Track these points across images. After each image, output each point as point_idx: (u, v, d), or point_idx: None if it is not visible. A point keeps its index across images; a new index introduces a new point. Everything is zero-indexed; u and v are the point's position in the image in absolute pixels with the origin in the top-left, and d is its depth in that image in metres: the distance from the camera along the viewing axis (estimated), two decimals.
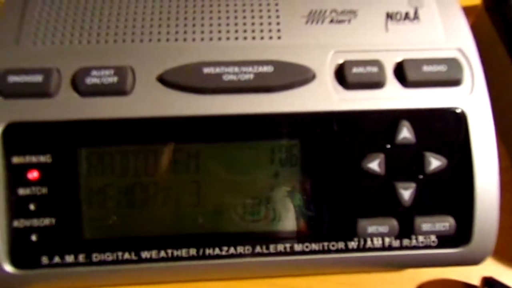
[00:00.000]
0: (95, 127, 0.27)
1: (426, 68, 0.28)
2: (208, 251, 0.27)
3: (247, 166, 0.28)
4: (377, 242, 0.28)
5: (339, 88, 0.28)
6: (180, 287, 0.32)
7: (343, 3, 0.30)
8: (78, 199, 0.27)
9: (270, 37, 0.29)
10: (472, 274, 0.33)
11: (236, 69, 0.28)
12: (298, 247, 0.28)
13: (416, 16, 0.30)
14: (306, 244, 0.28)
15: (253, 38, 0.29)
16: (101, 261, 0.27)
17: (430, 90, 0.28)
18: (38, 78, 0.27)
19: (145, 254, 0.27)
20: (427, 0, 0.31)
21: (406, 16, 0.30)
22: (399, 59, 0.28)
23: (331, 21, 0.30)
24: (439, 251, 0.28)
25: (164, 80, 0.27)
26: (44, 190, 0.27)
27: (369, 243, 0.28)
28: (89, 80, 0.27)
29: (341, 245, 0.28)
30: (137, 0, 0.30)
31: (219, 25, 0.29)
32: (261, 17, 0.30)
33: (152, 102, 0.27)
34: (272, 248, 0.28)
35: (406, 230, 0.28)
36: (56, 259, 0.27)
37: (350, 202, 0.28)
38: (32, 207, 0.27)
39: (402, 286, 0.34)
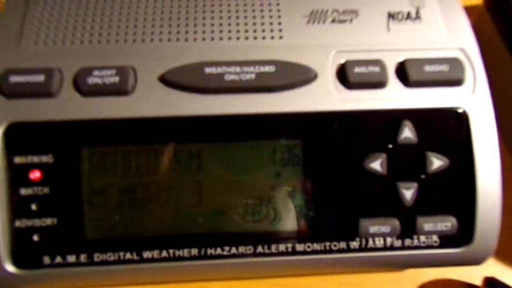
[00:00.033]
0: (97, 127, 0.27)
1: (428, 68, 0.28)
2: (210, 251, 0.27)
3: (249, 166, 0.28)
4: (379, 242, 0.28)
5: (341, 88, 0.28)
6: (181, 287, 0.32)
7: (345, 3, 0.30)
8: (80, 199, 0.27)
9: (272, 37, 0.29)
10: (474, 274, 0.33)
11: (238, 69, 0.28)
12: (299, 247, 0.28)
13: (418, 16, 0.30)
14: (308, 244, 0.28)
15: (255, 38, 0.29)
16: (103, 261, 0.27)
17: (432, 90, 0.28)
18: (40, 78, 0.27)
19: (146, 254, 0.27)
20: (429, 0, 0.31)
21: (408, 15, 0.30)
22: (401, 59, 0.28)
23: (333, 21, 0.30)
24: (441, 251, 0.28)
25: (166, 80, 0.27)
26: (46, 190, 0.27)
27: (371, 243, 0.28)
28: (91, 80, 0.27)
29: (342, 245, 0.28)
30: (139, 0, 0.30)
31: (221, 25, 0.29)
32: (262, 17, 0.30)
33: (154, 102, 0.27)
34: (273, 248, 0.28)
35: (408, 230, 0.28)
36: (58, 259, 0.27)
37: (352, 202, 0.28)
38: (34, 207, 0.27)
39: (404, 286, 0.34)
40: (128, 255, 0.27)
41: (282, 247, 0.28)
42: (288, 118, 0.28)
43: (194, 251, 0.27)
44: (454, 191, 0.28)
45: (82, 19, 0.29)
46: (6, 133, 0.26)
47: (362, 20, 0.30)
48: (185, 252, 0.27)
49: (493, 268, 0.33)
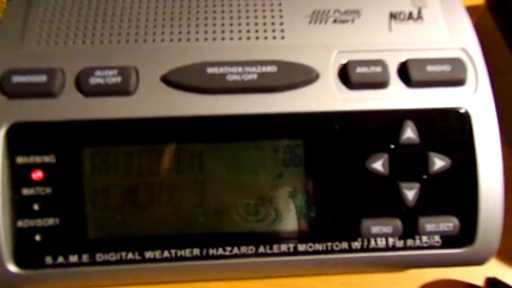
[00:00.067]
0: (99, 127, 0.27)
1: (430, 68, 0.28)
2: (212, 251, 0.27)
3: (251, 166, 0.28)
4: (381, 242, 0.28)
5: (343, 88, 0.28)
6: (183, 287, 0.32)
7: (347, 3, 0.30)
8: (82, 199, 0.27)
9: (274, 37, 0.29)
10: (476, 274, 0.33)
11: (240, 69, 0.28)
12: (301, 247, 0.28)
13: (419, 16, 0.30)
14: (310, 244, 0.28)
15: (257, 38, 0.29)
16: (105, 261, 0.27)
17: (434, 90, 0.28)
18: (42, 78, 0.27)
19: (148, 254, 0.27)
20: (431, 0, 0.31)
21: (410, 16, 0.30)
22: (403, 59, 0.28)
23: (335, 21, 0.30)
24: (443, 252, 0.28)
25: (168, 80, 0.27)
26: (48, 190, 0.27)
27: (372, 243, 0.28)
28: (93, 80, 0.27)
29: (344, 245, 0.28)
30: (141, 0, 0.30)
31: (223, 25, 0.29)
32: (264, 17, 0.30)
33: (156, 102, 0.27)
34: (275, 248, 0.28)
35: (410, 231, 0.28)
36: (60, 259, 0.27)
37: (354, 202, 0.28)
38: (36, 207, 0.27)
39: (406, 287, 0.34)
40: (130, 255, 0.27)
41: (284, 247, 0.28)
42: (290, 118, 0.28)
43: (196, 251, 0.27)
44: (456, 192, 0.28)
45: (84, 19, 0.29)
46: (9, 133, 0.26)
47: (364, 20, 0.30)
48: (187, 252, 0.27)
49: (495, 268, 0.33)
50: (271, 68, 0.28)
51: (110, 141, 0.27)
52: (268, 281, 0.33)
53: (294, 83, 0.28)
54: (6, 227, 0.26)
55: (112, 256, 0.27)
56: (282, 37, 0.29)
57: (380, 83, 0.28)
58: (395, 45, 0.29)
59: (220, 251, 0.27)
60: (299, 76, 0.28)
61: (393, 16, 0.30)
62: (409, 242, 0.28)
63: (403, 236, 0.28)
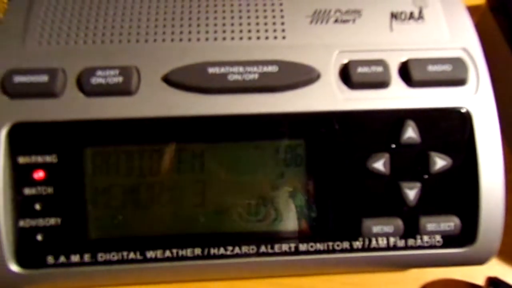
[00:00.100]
0: (100, 127, 0.27)
1: (431, 68, 0.28)
2: (213, 251, 0.27)
3: (252, 166, 0.28)
4: (382, 242, 0.28)
5: (344, 87, 0.28)
6: (184, 287, 0.32)
7: (348, 3, 0.30)
8: (84, 199, 0.27)
9: (275, 37, 0.29)
10: (477, 274, 0.33)
11: (241, 69, 0.28)
12: (302, 246, 0.28)
13: (420, 16, 0.30)
14: (311, 243, 0.28)
15: (258, 38, 0.29)
16: (107, 260, 0.27)
17: (435, 90, 0.28)
18: (44, 78, 0.27)
19: (150, 254, 0.27)
20: (432, 0, 0.31)
21: (411, 15, 0.30)
22: (404, 59, 0.28)
23: (336, 21, 0.30)
24: (444, 251, 0.28)
25: (169, 80, 0.27)
26: (50, 190, 0.27)
27: (374, 243, 0.28)
28: (94, 80, 0.27)
29: (346, 245, 0.28)
30: (142, 0, 0.30)
31: (224, 25, 0.29)
32: (265, 17, 0.30)
33: (157, 102, 0.27)
34: (276, 247, 0.28)
35: (411, 230, 0.28)
36: (62, 259, 0.27)
37: (355, 202, 0.28)
38: (37, 207, 0.27)
39: (407, 286, 0.34)
40: (131, 255, 0.27)
41: (285, 247, 0.28)
42: (291, 118, 0.28)
43: (198, 251, 0.27)
44: (457, 191, 0.28)
45: (86, 19, 0.29)
46: (10, 133, 0.26)
47: (365, 20, 0.30)
48: (188, 252, 0.27)
49: (496, 268, 0.33)
50: (272, 68, 0.28)
51: (112, 141, 0.27)
52: (269, 280, 0.33)
53: (295, 83, 0.28)
54: (8, 226, 0.26)
55: (114, 256, 0.27)
56: (283, 37, 0.29)
57: (381, 83, 0.28)
58: (396, 45, 0.29)
59: (222, 250, 0.28)
60: (300, 76, 0.28)
61: (394, 16, 0.30)
62: (410, 241, 0.28)
63: (404, 235, 0.28)
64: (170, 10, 0.30)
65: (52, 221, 0.27)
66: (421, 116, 0.28)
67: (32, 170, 0.27)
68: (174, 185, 0.28)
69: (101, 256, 0.27)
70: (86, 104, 0.27)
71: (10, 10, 0.30)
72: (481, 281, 0.32)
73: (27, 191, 0.27)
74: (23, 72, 0.27)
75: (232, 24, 0.29)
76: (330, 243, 0.28)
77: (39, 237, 0.27)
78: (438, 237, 0.28)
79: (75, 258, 0.27)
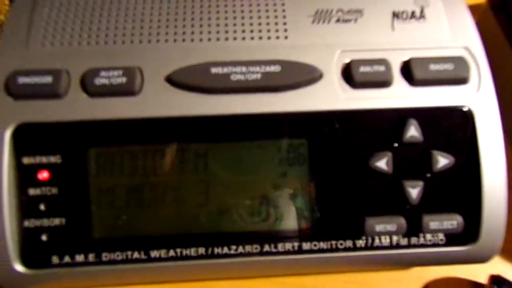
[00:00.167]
0: (104, 127, 0.27)
1: (433, 67, 0.28)
2: (217, 250, 0.28)
3: (255, 166, 0.28)
4: (385, 240, 0.28)
5: (346, 87, 0.28)
6: (188, 286, 0.32)
7: (349, 2, 0.30)
8: (88, 199, 0.27)
9: (277, 37, 0.29)
10: (480, 272, 0.33)
11: (244, 69, 0.28)
12: (306, 245, 0.28)
13: (422, 15, 0.30)
14: (314, 242, 0.28)
15: (260, 38, 0.29)
16: (111, 260, 0.27)
17: (437, 89, 0.28)
18: (48, 79, 0.27)
19: (154, 253, 0.27)
20: None
21: (412, 15, 0.30)
22: (406, 58, 0.29)
23: (338, 20, 0.30)
24: (446, 249, 0.28)
25: (172, 80, 0.28)
26: (54, 190, 0.27)
27: (377, 241, 0.28)
28: (98, 81, 0.27)
29: (349, 243, 0.28)
30: (145, 1, 0.30)
31: (226, 25, 0.29)
32: (267, 17, 0.30)
33: (161, 102, 0.27)
34: (280, 247, 0.28)
35: (414, 229, 0.28)
36: (66, 259, 0.27)
37: (358, 201, 0.28)
38: (42, 207, 0.27)
39: (409, 285, 0.34)
40: (135, 255, 0.27)
41: (288, 246, 0.28)
42: (294, 118, 0.28)
43: (201, 250, 0.28)
44: (460, 189, 0.28)
45: (89, 20, 0.29)
46: (15, 134, 0.27)
47: (367, 19, 0.30)
48: (192, 251, 0.28)
49: (498, 266, 0.33)
50: (275, 68, 0.28)
51: (115, 141, 0.27)
52: (273, 279, 0.33)
53: (298, 82, 0.28)
54: (13, 227, 0.26)
55: (118, 256, 0.27)
56: (286, 37, 0.29)
57: (383, 82, 0.28)
58: (398, 44, 0.29)
59: (225, 250, 0.28)
60: (303, 75, 0.28)
61: (395, 15, 0.30)
62: (413, 240, 0.28)
63: (407, 234, 0.28)
64: (172, 10, 0.30)
65: (56, 221, 0.27)
66: (423, 115, 0.28)
67: (36, 170, 0.27)
68: (177, 185, 0.28)
69: (105, 256, 0.27)
70: (90, 105, 0.27)
71: (13, 11, 0.30)
72: (483, 279, 0.32)
73: (32, 191, 0.27)
74: (27, 73, 0.27)
75: (235, 24, 0.29)
76: (333, 242, 0.28)
77: (43, 237, 0.27)
78: (441, 236, 0.28)
79: (79, 258, 0.27)
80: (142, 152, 0.27)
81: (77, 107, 0.27)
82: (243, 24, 0.29)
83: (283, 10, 0.30)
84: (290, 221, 0.28)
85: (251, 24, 0.29)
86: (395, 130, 0.28)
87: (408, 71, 0.28)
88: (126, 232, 0.28)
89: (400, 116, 0.28)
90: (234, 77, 0.28)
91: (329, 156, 0.28)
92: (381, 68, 0.28)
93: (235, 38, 0.29)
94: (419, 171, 0.28)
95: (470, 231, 0.28)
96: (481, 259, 0.29)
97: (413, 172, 0.28)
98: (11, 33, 0.29)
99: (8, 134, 0.27)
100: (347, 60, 0.28)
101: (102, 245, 0.27)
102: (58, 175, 0.27)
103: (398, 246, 0.28)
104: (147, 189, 0.28)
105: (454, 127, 0.28)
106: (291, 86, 0.28)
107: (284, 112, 0.28)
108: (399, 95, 0.28)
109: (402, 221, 0.28)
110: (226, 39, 0.29)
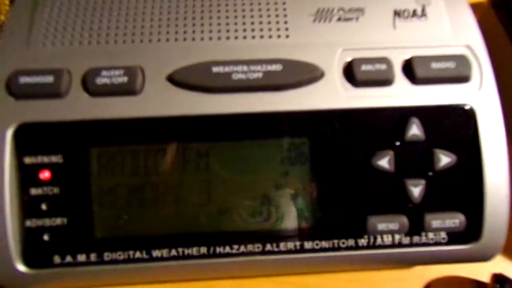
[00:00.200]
0: (105, 127, 0.27)
1: (434, 65, 0.28)
2: (219, 250, 0.28)
3: (256, 165, 0.28)
4: (387, 239, 0.28)
5: (348, 85, 0.28)
6: (190, 286, 0.32)
7: (351, 1, 0.30)
8: (90, 199, 0.27)
9: (278, 36, 0.29)
10: (482, 271, 0.33)
11: (245, 68, 0.28)
12: (308, 244, 0.28)
13: (423, 13, 0.30)
14: (316, 241, 0.28)
15: (261, 37, 0.29)
16: (113, 260, 0.27)
17: (438, 87, 0.28)
18: (49, 78, 0.27)
19: (156, 253, 0.27)
20: None
21: (414, 13, 0.30)
22: (407, 56, 0.29)
23: (339, 19, 0.30)
24: (449, 248, 0.28)
25: (174, 79, 0.28)
26: (56, 190, 0.27)
27: (379, 240, 0.28)
28: (99, 80, 0.27)
29: (351, 242, 0.28)
30: (146, 0, 0.30)
31: (227, 24, 0.29)
32: (269, 16, 0.30)
33: (162, 101, 0.27)
34: (282, 246, 0.28)
35: (416, 227, 0.28)
36: (68, 258, 0.27)
37: (360, 200, 0.28)
38: (44, 207, 0.27)
39: (412, 283, 0.34)
40: (137, 254, 0.27)
41: (290, 245, 0.28)
42: (295, 117, 0.28)
43: (203, 250, 0.28)
44: (462, 188, 0.28)
45: (90, 19, 0.29)
46: (16, 134, 0.27)
47: (368, 18, 0.30)
48: (194, 251, 0.28)
49: (501, 264, 0.33)
50: (276, 67, 0.28)
51: (117, 141, 0.27)
52: (275, 279, 0.33)
53: (299, 81, 0.28)
54: (15, 226, 0.26)
55: (120, 255, 0.27)
56: (287, 36, 0.29)
57: (385, 81, 0.28)
58: (400, 43, 0.29)
59: (227, 249, 0.28)
60: (304, 74, 0.28)
61: (397, 13, 0.30)
62: (415, 238, 0.28)
63: (409, 232, 0.28)
64: (174, 9, 0.30)
65: (58, 221, 0.27)
66: (425, 113, 0.28)
67: (38, 170, 0.27)
68: (179, 184, 0.28)
69: (107, 256, 0.27)
70: (91, 104, 0.27)
71: (14, 11, 0.30)
72: (486, 278, 0.32)
73: (33, 191, 0.27)
74: (28, 73, 0.27)
75: (236, 23, 0.29)
76: (335, 241, 0.28)
77: (45, 237, 0.27)
78: (443, 234, 0.28)
79: (81, 257, 0.27)
80: (143, 151, 0.27)
81: (79, 107, 0.27)
82: (244, 23, 0.29)
83: (284, 9, 0.30)
84: (292, 220, 0.28)
85: (252, 23, 0.29)
86: (397, 128, 0.28)
87: (409, 69, 0.28)
88: (128, 231, 0.28)
89: (402, 115, 0.28)
90: (235, 76, 0.28)
91: (331, 155, 0.28)
92: (383, 66, 0.28)
93: (236, 37, 0.29)
94: (421, 170, 0.28)
95: (472, 229, 0.28)
96: (484, 257, 0.29)
97: (415, 170, 0.28)
98: (12, 33, 0.29)
99: (9, 134, 0.27)
100: (349, 59, 0.28)
101: (104, 244, 0.27)
102: (59, 174, 0.27)
103: (400, 244, 0.28)
104: (148, 188, 0.28)
105: (456, 126, 0.28)
106: (292, 85, 0.28)
107: (285, 111, 0.28)
108: (401, 94, 0.28)
109: (404, 219, 0.27)
110: (228, 38, 0.29)
